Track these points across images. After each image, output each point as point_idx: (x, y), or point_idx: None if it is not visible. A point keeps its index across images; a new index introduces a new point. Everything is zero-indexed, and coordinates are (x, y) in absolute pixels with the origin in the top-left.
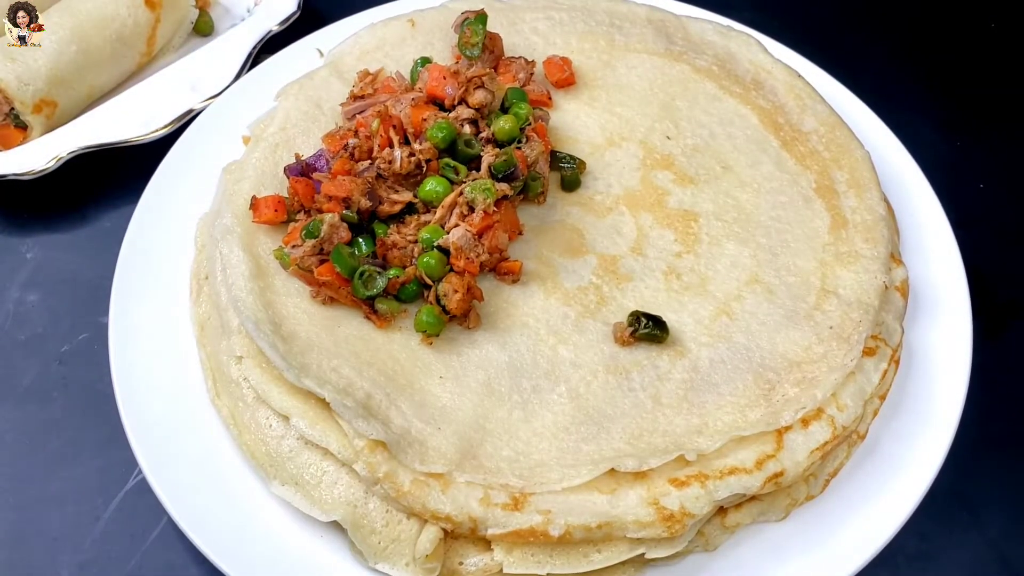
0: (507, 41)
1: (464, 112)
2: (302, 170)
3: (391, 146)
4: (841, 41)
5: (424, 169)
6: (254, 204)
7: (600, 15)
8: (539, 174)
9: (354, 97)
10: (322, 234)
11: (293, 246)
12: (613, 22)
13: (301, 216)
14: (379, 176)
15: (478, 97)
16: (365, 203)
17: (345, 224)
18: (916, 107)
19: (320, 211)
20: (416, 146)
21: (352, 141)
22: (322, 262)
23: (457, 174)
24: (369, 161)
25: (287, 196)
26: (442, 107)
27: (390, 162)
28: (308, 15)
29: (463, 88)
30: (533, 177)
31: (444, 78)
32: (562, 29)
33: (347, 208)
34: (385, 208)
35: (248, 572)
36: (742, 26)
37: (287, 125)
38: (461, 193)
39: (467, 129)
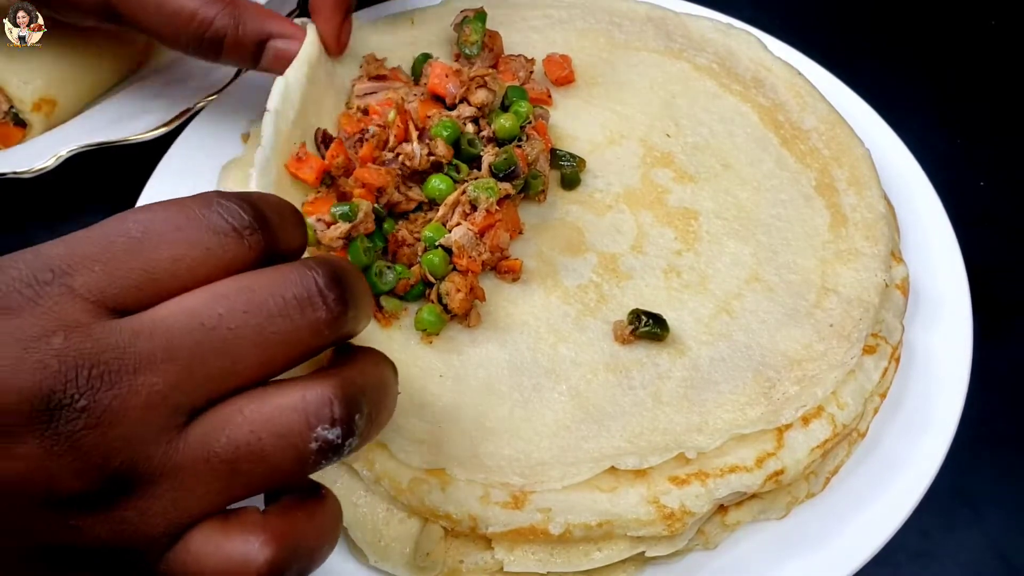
0: (506, 39)
1: (466, 110)
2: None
3: (406, 140)
4: (841, 38)
5: (442, 169)
6: (304, 156)
7: (600, 13)
8: (540, 172)
9: (369, 77)
10: (356, 220)
11: (319, 219)
12: (613, 20)
13: (323, 190)
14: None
15: (480, 96)
16: (396, 197)
17: (373, 216)
18: (916, 105)
19: (347, 193)
20: (437, 147)
21: (372, 128)
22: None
23: (459, 172)
24: (394, 154)
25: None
26: (443, 104)
27: (410, 158)
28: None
29: (465, 87)
30: (534, 175)
31: (447, 76)
32: (561, 27)
33: (378, 199)
34: (403, 205)
35: None
36: (742, 24)
37: (306, 99)
38: (464, 192)
39: (469, 128)
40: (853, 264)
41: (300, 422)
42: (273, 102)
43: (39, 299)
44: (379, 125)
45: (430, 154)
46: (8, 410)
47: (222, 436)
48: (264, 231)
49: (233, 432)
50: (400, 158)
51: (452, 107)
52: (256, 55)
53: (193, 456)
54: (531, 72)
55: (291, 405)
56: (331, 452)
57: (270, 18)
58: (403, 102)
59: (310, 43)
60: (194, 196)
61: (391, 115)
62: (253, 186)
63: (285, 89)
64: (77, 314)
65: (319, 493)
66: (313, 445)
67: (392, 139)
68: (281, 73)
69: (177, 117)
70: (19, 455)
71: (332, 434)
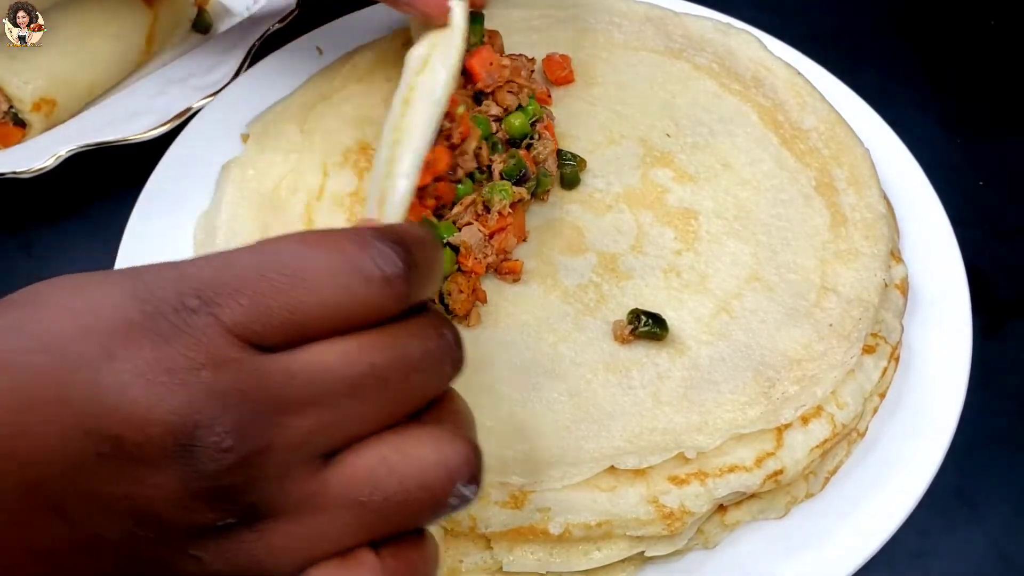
0: (506, 39)
1: (492, 108)
2: None
3: (463, 140)
4: (841, 38)
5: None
6: (429, 161)
7: (600, 12)
8: (548, 172)
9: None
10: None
11: None
12: (612, 20)
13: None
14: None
15: (508, 99)
16: (453, 211)
17: None
18: (916, 105)
19: (423, 200)
20: (483, 155)
21: (446, 124)
22: None
23: (482, 173)
24: (455, 164)
25: None
26: (471, 85)
27: (468, 172)
28: (308, 13)
29: (500, 84)
30: (544, 174)
31: (491, 64)
32: (562, 27)
33: (437, 209)
34: (446, 214)
35: None
36: (742, 24)
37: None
38: (479, 192)
39: (492, 127)
40: (853, 264)
41: (445, 479)
42: (437, 92)
43: (186, 327)
44: (448, 117)
45: (478, 165)
46: (150, 441)
47: (368, 485)
48: (411, 282)
49: (382, 483)
50: (458, 172)
51: (478, 94)
52: None
53: (335, 500)
54: (531, 72)
55: (436, 461)
56: (463, 505)
57: None
58: (470, 92)
59: (460, 21)
60: (349, 234)
61: (460, 109)
62: (401, 190)
63: (448, 79)
64: (225, 348)
65: (422, 532)
66: (453, 501)
67: (456, 136)
68: (411, 11)
69: (177, 117)
70: (153, 484)
71: (469, 490)
